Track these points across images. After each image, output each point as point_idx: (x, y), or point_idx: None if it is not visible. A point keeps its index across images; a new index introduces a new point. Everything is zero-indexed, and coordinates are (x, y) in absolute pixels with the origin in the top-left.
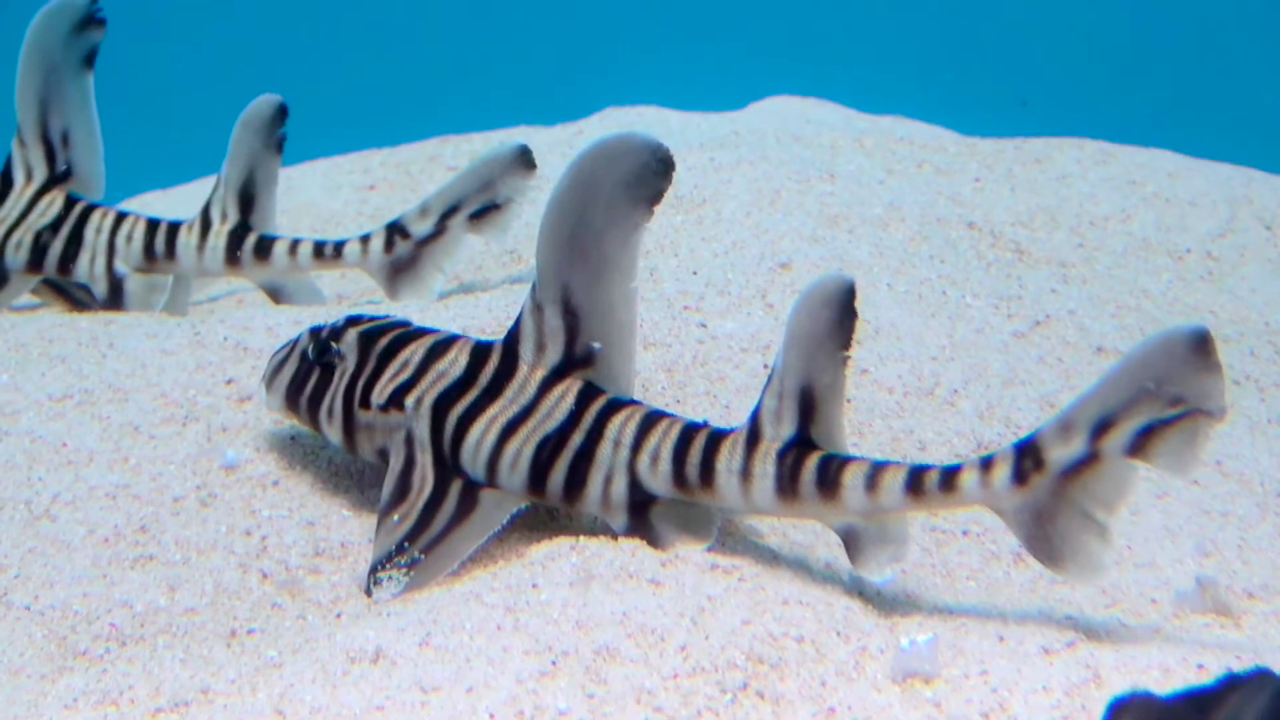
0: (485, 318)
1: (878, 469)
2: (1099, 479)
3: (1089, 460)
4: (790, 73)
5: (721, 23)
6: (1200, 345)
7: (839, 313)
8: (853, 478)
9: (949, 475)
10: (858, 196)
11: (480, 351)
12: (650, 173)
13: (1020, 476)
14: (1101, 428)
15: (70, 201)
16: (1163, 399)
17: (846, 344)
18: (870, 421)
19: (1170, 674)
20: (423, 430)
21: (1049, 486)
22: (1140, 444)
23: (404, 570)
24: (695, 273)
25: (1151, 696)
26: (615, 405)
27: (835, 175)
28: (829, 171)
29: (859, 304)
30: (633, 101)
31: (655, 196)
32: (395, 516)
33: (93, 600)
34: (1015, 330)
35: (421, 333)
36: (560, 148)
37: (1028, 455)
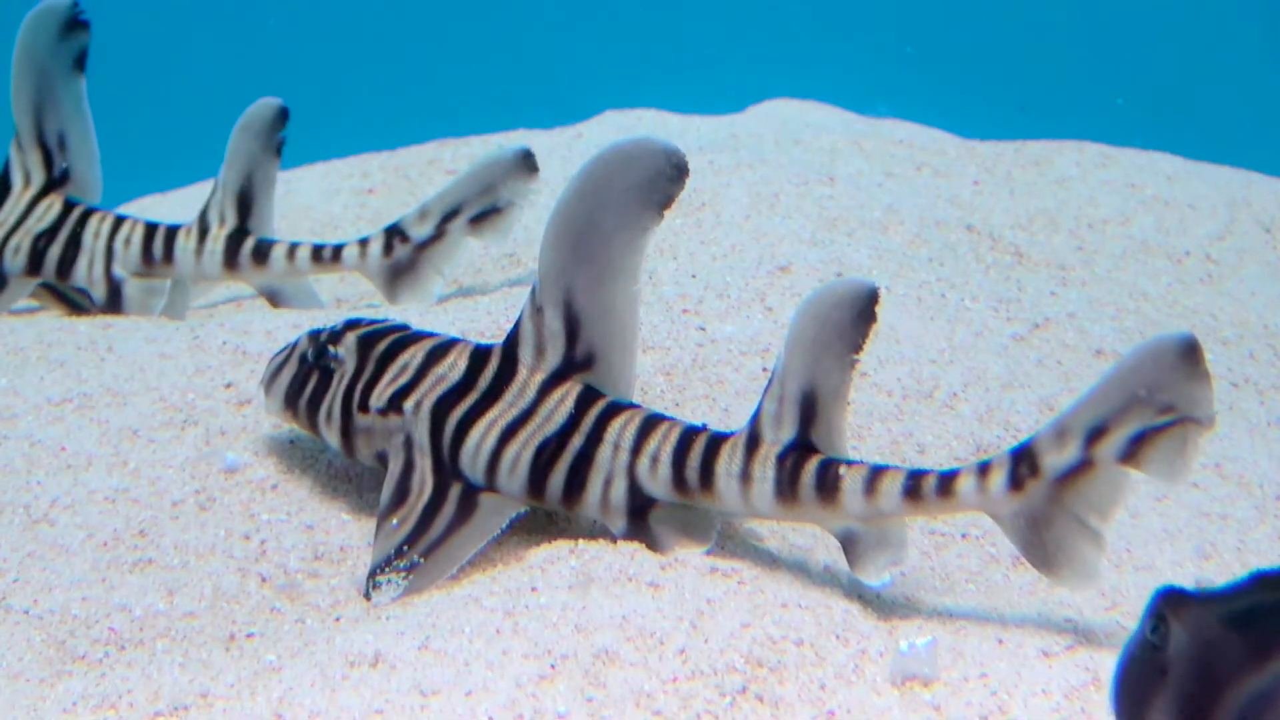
0: (484, 321)
1: (876, 473)
2: (1093, 485)
3: (1083, 467)
4: (789, 75)
5: (721, 25)
6: (1189, 353)
7: (856, 317)
8: (851, 482)
9: (946, 480)
10: (857, 200)
11: (479, 355)
12: (664, 178)
13: (1016, 482)
14: (1095, 434)
15: (68, 206)
16: (1154, 406)
17: (859, 348)
18: (869, 425)
19: None
20: (422, 434)
21: (1044, 492)
22: (1133, 451)
23: (403, 574)
24: (694, 276)
25: (1209, 604)
26: (615, 408)
27: (834, 178)
28: (828, 175)
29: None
30: (632, 104)
31: (667, 201)
32: (394, 520)
33: (92, 604)
34: (1014, 333)
35: (420, 336)
36: (559, 150)
37: (1024, 461)
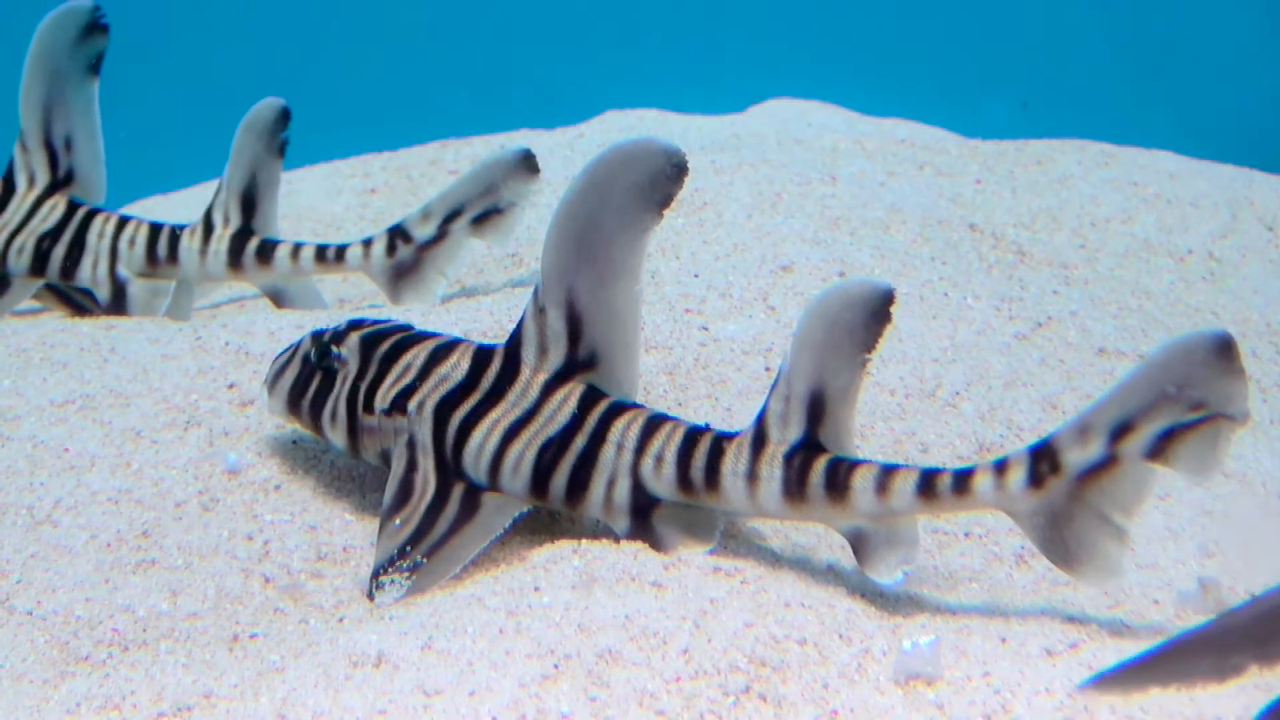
0: (487, 321)
1: (888, 472)
2: (1117, 482)
3: (1107, 463)
4: (791, 75)
5: (722, 25)
6: (1223, 350)
7: (870, 317)
8: (862, 480)
9: (962, 478)
10: (859, 199)
11: (482, 355)
12: (665, 177)
13: (1036, 479)
14: (1120, 431)
15: (72, 206)
16: (1184, 403)
17: (871, 348)
18: (872, 424)
19: None
20: (425, 434)
21: (1065, 489)
22: (1160, 447)
23: (406, 574)
24: (697, 275)
25: None
26: (618, 409)
27: (836, 178)
28: (830, 174)
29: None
30: (633, 104)
31: (667, 200)
32: (397, 521)
33: (95, 605)
34: (1017, 332)
35: (423, 337)
36: (561, 151)
37: (1044, 458)
